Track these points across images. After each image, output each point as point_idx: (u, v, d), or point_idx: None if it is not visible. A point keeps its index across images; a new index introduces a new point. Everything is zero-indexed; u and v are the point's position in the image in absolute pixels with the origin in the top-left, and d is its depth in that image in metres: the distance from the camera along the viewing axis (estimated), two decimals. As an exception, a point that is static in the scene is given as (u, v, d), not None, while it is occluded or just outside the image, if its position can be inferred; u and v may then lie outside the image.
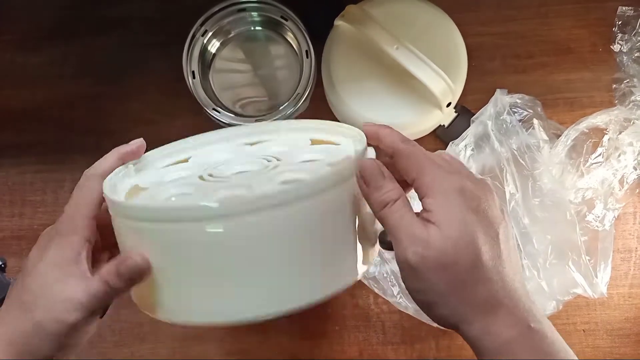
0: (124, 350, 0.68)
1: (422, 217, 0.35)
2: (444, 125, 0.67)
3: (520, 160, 0.60)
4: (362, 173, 0.37)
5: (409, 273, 0.35)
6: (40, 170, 0.72)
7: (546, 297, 0.59)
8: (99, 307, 0.39)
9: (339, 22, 0.65)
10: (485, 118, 0.62)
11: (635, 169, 0.62)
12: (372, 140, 0.40)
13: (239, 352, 0.67)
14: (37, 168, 0.72)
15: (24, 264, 0.41)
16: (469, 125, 0.64)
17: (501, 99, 0.63)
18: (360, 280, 0.64)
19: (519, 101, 0.63)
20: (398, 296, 0.62)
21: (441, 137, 0.67)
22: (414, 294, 0.37)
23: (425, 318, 0.62)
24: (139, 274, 0.37)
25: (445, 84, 0.61)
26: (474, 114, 0.65)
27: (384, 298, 0.63)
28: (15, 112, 0.74)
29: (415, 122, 0.65)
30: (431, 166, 0.36)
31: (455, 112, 0.66)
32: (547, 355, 0.34)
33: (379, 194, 0.36)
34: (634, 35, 0.65)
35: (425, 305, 0.37)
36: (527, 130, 0.61)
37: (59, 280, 0.37)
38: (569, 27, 0.69)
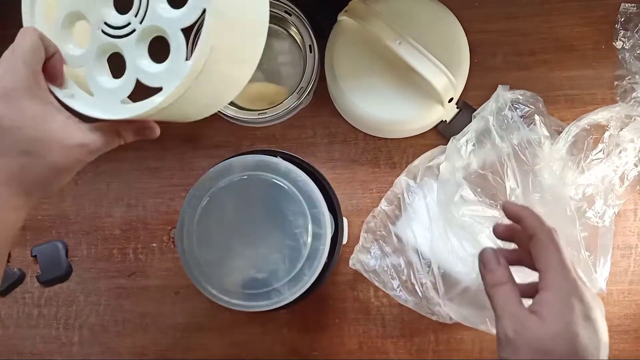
0: (126, 341, 0.69)
1: (530, 308, 0.40)
2: (445, 121, 0.67)
3: (521, 156, 0.60)
4: (481, 258, 0.44)
5: (505, 343, 0.40)
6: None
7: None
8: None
9: (342, 17, 0.65)
10: (486, 113, 0.63)
11: (636, 166, 0.62)
12: (513, 219, 0.45)
13: (239, 344, 0.68)
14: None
15: None
16: (471, 121, 0.65)
17: (503, 94, 0.63)
18: (360, 274, 0.64)
19: (520, 97, 0.63)
20: (398, 289, 0.63)
21: (443, 132, 0.68)
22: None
23: (424, 311, 0.63)
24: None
25: (448, 80, 0.61)
26: (476, 110, 0.65)
27: (384, 291, 0.64)
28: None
29: (417, 117, 0.65)
30: (559, 265, 0.40)
31: (457, 107, 0.66)
32: None
33: (491, 275, 0.42)
34: (637, 32, 0.65)
35: None
36: (528, 126, 0.61)
37: (66, 127, 0.40)
38: (571, 24, 0.69)
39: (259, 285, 0.57)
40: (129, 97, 0.43)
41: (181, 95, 0.40)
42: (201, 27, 0.39)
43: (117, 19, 0.42)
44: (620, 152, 0.61)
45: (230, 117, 0.68)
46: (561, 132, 0.62)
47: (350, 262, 0.65)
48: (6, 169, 0.39)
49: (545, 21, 0.70)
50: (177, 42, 0.40)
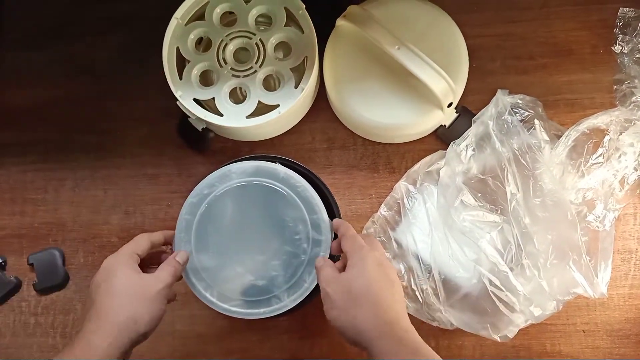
0: (124, 349, 0.68)
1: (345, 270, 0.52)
2: (444, 126, 0.67)
3: (522, 160, 0.60)
4: (316, 267, 0.55)
5: (326, 302, 0.51)
6: (41, 168, 0.72)
7: (546, 297, 0.59)
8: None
9: (340, 22, 0.65)
10: (486, 118, 0.63)
11: (636, 170, 0.62)
12: (335, 230, 0.57)
13: (239, 351, 0.67)
14: (38, 166, 0.72)
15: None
16: (470, 126, 0.64)
17: (502, 99, 0.63)
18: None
19: (520, 101, 0.63)
20: (398, 295, 0.62)
21: (442, 137, 0.68)
22: (330, 313, 0.51)
23: (425, 317, 0.62)
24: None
25: (447, 84, 0.61)
26: (475, 114, 0.65)
27: (384, 297, 0.63)
28: (18, 110, 0.74)
29: (416, 122, 0.65)
30: (356, 243, 0.53)
31: (456, 112, 0.66)
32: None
33: (320, 272, 0.53)
34: (635, 36, 0.65)
35: (337, 327, 0.51)
36: (528, 131, 0.61)
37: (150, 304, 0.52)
38: (569, 28, 0.69)
39: (259, 293, 0.57)
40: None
41: (290, 110, 0.63)
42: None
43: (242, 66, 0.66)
44: (620, 156, 0.61)
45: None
46: (561, 136, 0.62)
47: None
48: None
49: (543, 25, 0.70)
50: (288, 77, 0.65)
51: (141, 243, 0.54)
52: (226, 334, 0.67)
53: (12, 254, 0.71)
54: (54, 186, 0.72)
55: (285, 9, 0.65)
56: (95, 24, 0.75)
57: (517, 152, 0.60)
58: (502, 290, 0.59)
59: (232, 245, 0.57)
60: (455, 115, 0.66)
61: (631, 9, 0.66)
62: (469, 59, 0.66)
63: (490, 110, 0.63)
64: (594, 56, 0.68)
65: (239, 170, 0.58)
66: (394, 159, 0.69)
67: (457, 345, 0.65)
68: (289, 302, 0.56)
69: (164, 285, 0.52)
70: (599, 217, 0.61)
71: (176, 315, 0.68)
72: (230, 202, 0.58)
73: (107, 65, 0.74)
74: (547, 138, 0.61)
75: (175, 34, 0.65)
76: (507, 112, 0.62)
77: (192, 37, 0.66)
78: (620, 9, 0.67)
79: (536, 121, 0.62)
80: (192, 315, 0.68)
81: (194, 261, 0.57)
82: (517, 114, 0.62)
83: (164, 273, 0.53)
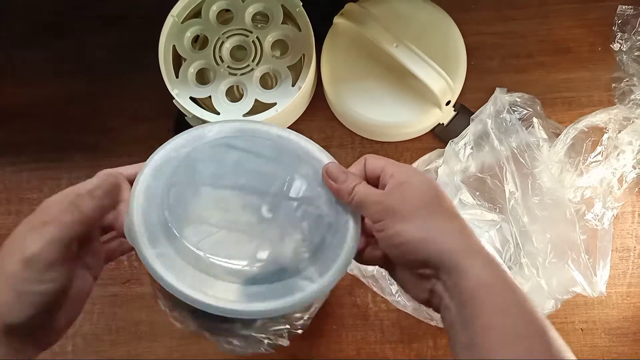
0: (121, 349, 0.68)
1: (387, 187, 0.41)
2: (443, 124, 0.67)
3: (520, 159, 0.60)
4: (327, 174, 0.43)
5: (385, 222, 0.39)
6: (36, 168, 0.72)
7: (545, 296, 0.59)
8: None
9: (338, 20, 0.65)
10: (485, 116, 0.62)
11: (634, 168, 0.62)
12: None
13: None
14: (33, 166, 0.72)
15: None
16: (468, 124, 0.64)
17: (501, 97, 0.63)
18: (358, 279, 0.64)
19: (518, 100, 0.63)
20: (397, 294, 0.62)
21: (440, 135, 0.67)
22: (394, 239, 0.39)
23: (423, 316, 0.62)
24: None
25: (445, 83, 0.61)
26: (473, 113, 0.65)
27: (382, 296, 0.63)
28: (12, 109, 0.74)
29: (414, 120, 0.65)
30: (392, 162, 0.42)
31: (455, 110, 0.66)
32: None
33: (345, 185, 0.42)
34: (634, 34, 0.65)
35: (401, 248, 0.39)
36: (526, 129, 0.61)
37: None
38: (568, 26, 0.69)
39: (276, 275, 0.40)
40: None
41: (287, 109, 0.62)
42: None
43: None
44: (618, 154, 0.61)
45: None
46: (559, 134, 0.62)
47: (348, 267, 0.64)
48: None
49: (542, 23, 0.69)
50: (285, 75, 0.64)
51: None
52: (224, 334, 0.67)
53: None
54: (50, 185, 0.71)
55: (282, 6, 0.65)
56: (90, 22, 0.74)
57: (515, 150, 0.60)
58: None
59: (226, 215, 0.42)
60: (454, 113, 0.66)
61: (630, 7, 0.66)
62: (467, 57, 0.66)
63: (488, 108, 0.63)
64: (592, 54, 0.68)
65: (216, 130, 0.45)
66: (393, 156, 0.68)
67: (456, 344, 0.65)
68: (320, 280, 0.40)
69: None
70: (598, 215, 0.61)
71: (173, 315, 0.67)
72: (212, 164, 0.44)
73: (103, 64, 0.73)
74: (545, 136, 0.61)
75: (172, 32, 0.65)
76: (505, 111, 0.62)
77: (189, 35, 0.65)
78: (619, 6, 0.67)
79: (534, 119, 0.62)
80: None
81: (178, 239, 0.40)
82: (516, 112, 0.62)
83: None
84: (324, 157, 0.46)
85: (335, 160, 0.45)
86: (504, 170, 0.60)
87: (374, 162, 0.43)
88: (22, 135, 0.73)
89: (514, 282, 0.36)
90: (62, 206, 0.38)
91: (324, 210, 0.43)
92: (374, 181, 0.43)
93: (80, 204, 0.38)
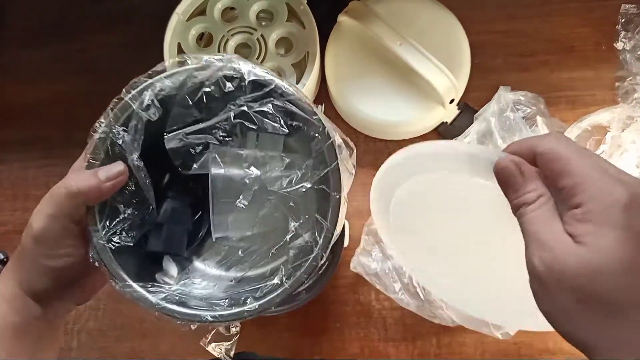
0: (125, 345, 0.68)
1: (574, 221, 0.29)
2: (446, 122, 0.67)
3: None
4: (498, 174, 0.33)
5: (533, 280, 0.30)
6: (43, 165, 0.72)
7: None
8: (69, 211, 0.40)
9: (342, 18, 0.65)
10: (488, 115, 0.62)
11: (638, 167, 0.62)
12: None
13: (240, 348, 0.67)
14: (40, 163, 0.72)
15: None
16: (472, 122, 0.64)
17: (504, 96, 0.63)
18: (362, 277, 0.64)
19: (522, 98, 0.63)
20: (400, 292, 0.62)
21: (443, 134, 0.67)
22: (536, 298, 0.31)
23: (427, 314, 0.62)
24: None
25: (449, 81, 0.61)
26: (477, 111, 0.65)
27: (385, 294, 0.63)
28: (19, 107, 0.74)
29: (417, 118, 0.65)
30: (592, 169, 0.29)
31: (458, 109, 0.66)
32: None
33: (516, 195, 0.32)
34: (637, 33, 0.65)
35: (544, 313, 0.31)
36: (530, 127, 0.61)
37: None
38: (571, 25, 0.69)
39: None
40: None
41: None
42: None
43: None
44: (622, 153, 0.61)
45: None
46: (563, 133, 0.62)
47: (352, 265, 0.64)
48: None
49: (545, 22, 0.69)
50: (289, 73, 0.63)
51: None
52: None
53: (15, 250, 0.70)
54: (56, 182, 0.71)
55: (287, 4, 0.65)
56: (95, 21, 0.75)
57: None
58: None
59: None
60: (457, 112, 0.66)
61: (633, 6, 0.66)
62: (471, 56, 0.66)
63: (492, 106, 0.63)
64: (596, 53, 0.68)
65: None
66: (395, 155, 0.68)
67: (459, 343, 0.65)
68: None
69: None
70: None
71: (177, 312, 0.68)
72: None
73: (108, 62, 0.74)
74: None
75: (177, 30, 0.65)
76: (509, 109, 0.62)
77: (194, 32, 0.66)
78: (623, 5, 0.67)
79: (538, 118, 0.62)
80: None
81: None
82: (519, 111, 0.62)
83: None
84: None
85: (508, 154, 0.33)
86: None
87: (549, 167, 0.30)
88: (28, 133, 0.73)
89: None
90: (60, 186, 0.41)
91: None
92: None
93: (69, 181, 0.41)
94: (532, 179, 0.31)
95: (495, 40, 0.69)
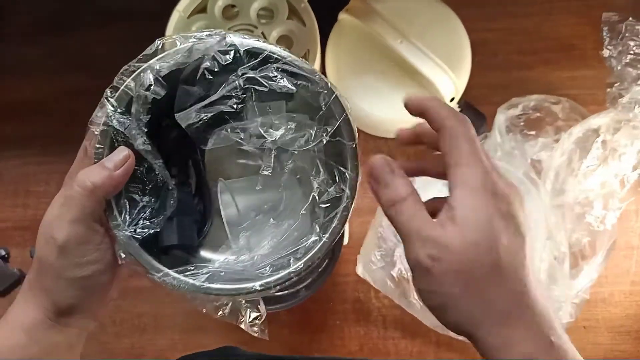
0: (124, 341, 0.68)
1: (444, 214, 0.33)
2: (447, 121, 0.67)
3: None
4: (370, 170, 0.36)
5: (420, 274, 0.33)
6: (43, 161, 0.72)
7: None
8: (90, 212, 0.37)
9: (343, 16, 0.65)
10: (492, 145, 0.63)
11: (635, 169, 0.62)
12: (417, 113, 0.37)
13: (239, 344, 0.67)
14: (40, 159, 0.72)
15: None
16: (472, 121, 0.64)
17: (499, 120, 0.64)
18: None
19: (520, 111, 0.64)
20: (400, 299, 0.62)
21: (444, 132, 0.67)
22: (425, 295, 0.34)
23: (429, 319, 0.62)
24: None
25: (449, 79, 0.61)
26: (478, 109, 0.65)
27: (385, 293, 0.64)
28: (18, 104, 0.74)
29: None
30: (470, 157, 0.33)
31: (459, 107, 0.66)
32: None
33: (387, 191, 0.35)
34: (621, 39, 0.64)
35: (436, 309, 0.34)
36: (528, 136, 0.62)
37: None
38: (572, 24, 0.69)
39: None
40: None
41: None
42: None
43: None
44: (619, 156, 0.62)
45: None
46: (559, 138, 0.63)
47: (358, 269, 0.64)
48: None
49: (546, 20, 0.69)
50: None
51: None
52: (226, 328, 0.67)
53: (15, 247, 0.71)
54: (56, 179, 0.72)
55: (287, 2, 0.65)
56: (94, 17, 0.75)
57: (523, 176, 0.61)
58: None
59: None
60: (458, 110, 0.66)
61: (614, 13, 0.65)
62: (472, 54, 0.66)
63: (494, 137, 0.63)
64: (596, 51, 0.68)
65: None
66: (395, 153, 0.68)
67: (458, 340, 0.65)
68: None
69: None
70: (599, 217, 0.61)
71: (176, 309, 0.68)
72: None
73: (107, 59, 0.73)
74: (545, 141, 0.62)
75: (178, 27, 0.65)
76: (505, 131, 0.63)
77: (194, 30, 0.66)
78: (604, 13, 0.66)
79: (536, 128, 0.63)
80: (192, 308, 0.68)
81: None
82: (521, 119, 0.63)
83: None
84: None
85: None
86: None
87: (446, 145, 0.34)
88: (28, 129, 0.73)
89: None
90: (73, 188, 0.38)
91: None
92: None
93: (80, 181, 0.38)
94: (402, 177, 0.35)
95: (496, 38, 0.69)
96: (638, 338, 0.64)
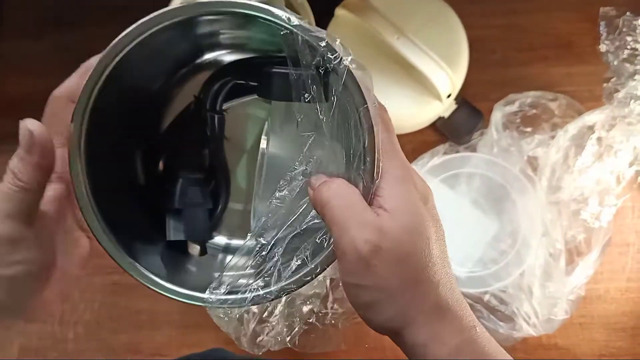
0: (121, 337, 0.68)
1: (374, 204, 0.33)
2: (444, 117, 0.66)
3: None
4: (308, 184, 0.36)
5: (356, 266, 0.31)
6: (40, 157, 0.72)
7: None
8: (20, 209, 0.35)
9: (339, 12, 0.65)
10: (488, 143, 0.63)
11: (630, 166, 0.62)
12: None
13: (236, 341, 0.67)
14: (37, 155, 0.72)
15: None
16: (469, 117, 0.64)
17: (498, 118, 0.64)
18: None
19: (517, 107, 0.64)
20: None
21: (441, 128, 0.67)
22: (356, 290, 0.32)
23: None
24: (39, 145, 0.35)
25: (446, 76, 0.61)
26: (475, 106, 0.65)
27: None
28: (18, 99, 0.74)
29: (415, 113, 0.65)
30: (389, 145, 0.34)
31: (456, 104, 0.66)
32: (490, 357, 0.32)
33: (317, 193, 0.34)
34: (618, 34, 0.64)
35: (366, 306, 0.32)
36: (525, 133, 0.62)
37: None
38: (570, 20, 0.69)
39: None
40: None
41: None
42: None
43: None
44: (615, 152, 0.62)
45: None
46: (555, 135, 0.63)
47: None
48: None
49: (545, 17, 0.69)
50: None
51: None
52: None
53: None
54: (53, 175, 0.72)
55: (284, -3, 0.65)
56: (94, 13, 0.75)
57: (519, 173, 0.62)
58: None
59: None
60: (455, 106, 0.66)
61: (612, 8, 0.65)
62: (470, 50, 0.65)
63: (491, 134, 0.63)
64: (595, 48, 0.67)
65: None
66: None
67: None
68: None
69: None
70: (595, 214, 0.61)
71: (174, 305, 0.68)
72: None
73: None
74: (540, 137, 0.62)
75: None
76: (502, 128, 0.63)
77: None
78: (601, 8, 0.65)
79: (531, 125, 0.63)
80: (189, 305, 0.68)
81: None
82: (517, 116, 0.63)
83: None
84: None
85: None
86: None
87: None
88: (26, 124, 0.73)
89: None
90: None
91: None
92: None
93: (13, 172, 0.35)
94: (333, 178, 0.34)
95: (493, 34, 0.69)
96: (634, 335, 0.64)
